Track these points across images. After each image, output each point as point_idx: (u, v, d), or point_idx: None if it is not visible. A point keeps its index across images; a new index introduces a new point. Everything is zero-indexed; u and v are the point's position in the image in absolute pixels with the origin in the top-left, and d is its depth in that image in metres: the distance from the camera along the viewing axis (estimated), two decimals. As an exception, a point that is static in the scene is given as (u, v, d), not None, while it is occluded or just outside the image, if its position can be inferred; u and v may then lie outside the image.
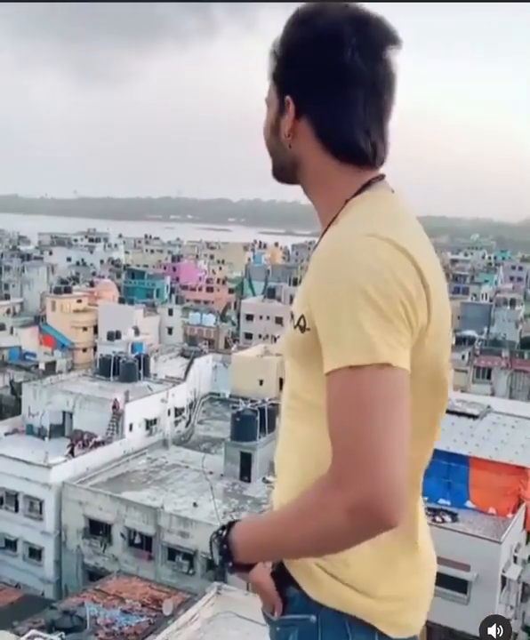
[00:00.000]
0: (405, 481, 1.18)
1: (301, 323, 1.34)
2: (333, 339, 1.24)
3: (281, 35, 1.45)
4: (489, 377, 45.39)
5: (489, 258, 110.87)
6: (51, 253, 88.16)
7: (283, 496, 1.49)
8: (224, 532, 1.45)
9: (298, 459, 1.45)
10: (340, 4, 1.42)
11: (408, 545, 1.47)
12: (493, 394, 41.43)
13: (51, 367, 48.69)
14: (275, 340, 46.38)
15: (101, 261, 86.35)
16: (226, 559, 1.44)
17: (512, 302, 67.31)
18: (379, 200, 1.41)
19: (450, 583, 20.10)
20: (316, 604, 1.43)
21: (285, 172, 1.53)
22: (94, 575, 26.23)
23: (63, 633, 15.83)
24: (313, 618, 1.43)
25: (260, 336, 54.99)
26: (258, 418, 29.78)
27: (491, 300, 68.92)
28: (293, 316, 1.38)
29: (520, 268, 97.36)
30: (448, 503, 21.50)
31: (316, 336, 1.30)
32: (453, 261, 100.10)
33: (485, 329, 59.11)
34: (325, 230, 1.45)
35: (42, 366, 48.22)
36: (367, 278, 1.23)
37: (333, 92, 1.39)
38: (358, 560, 1.39)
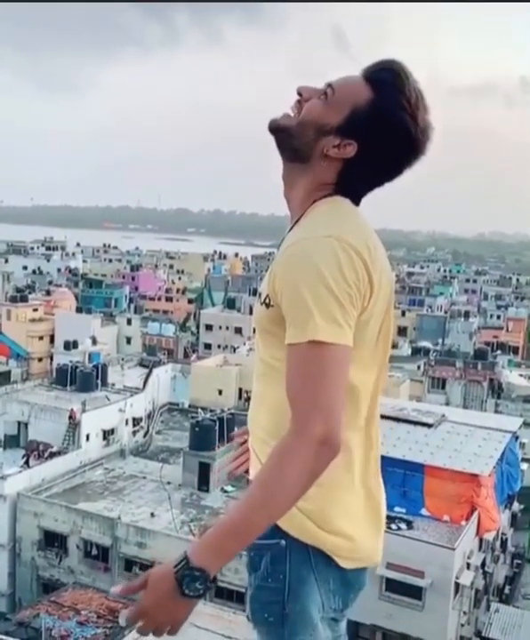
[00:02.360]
0: (342, 423, 1.53)
1: (267, 300, 1.66)
2: (298, 318, 1.55)
3: (398, 86, 1.65)
4: (444, 387, 46.17)
5: (444, 271, 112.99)
6: (6, 261, 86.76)
7: (256, 444, 1.82)
8: (184, 562, 1.47)
9: (265, 413, 1.77)
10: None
11: (361, 486, 1.78)
12: (447, 403, 42.11)
13: (5, 377, 47.89)
14: (234, 350, 46.44)
15: (59, 270, 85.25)
16: (205, 580, 1.47)
17: (466, 314, 68.72)
18: (339, 206, 1.72)
19: (405, 590, 20.41)
20: (284, 531, 1.69)
21: (288, 145, 1.74)
22: (49, 587, 25.80)
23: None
24: (283, 542, 1.70)
25: (219, 346, 55.00)
26: (217, 427, 29.78)
27: (446, 312, 70.27)
28: (260, 295, 1.70)
29: (474, 281, 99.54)
30: (404, 511, 21.79)
31: (278, 312, 1.62)
32: (410, 274, 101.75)
33: (440, 340, 60.16)
34: (294, 224, 1.74)
35: (-4, 376, 47.41)
36: (328, 273, 1.54)
37: (378, 164, 1.71)
38: (318, 496, 1.66)
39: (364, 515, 1.79)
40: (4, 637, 14.92)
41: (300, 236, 1.63)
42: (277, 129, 1.73)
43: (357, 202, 1.77)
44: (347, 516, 1.74)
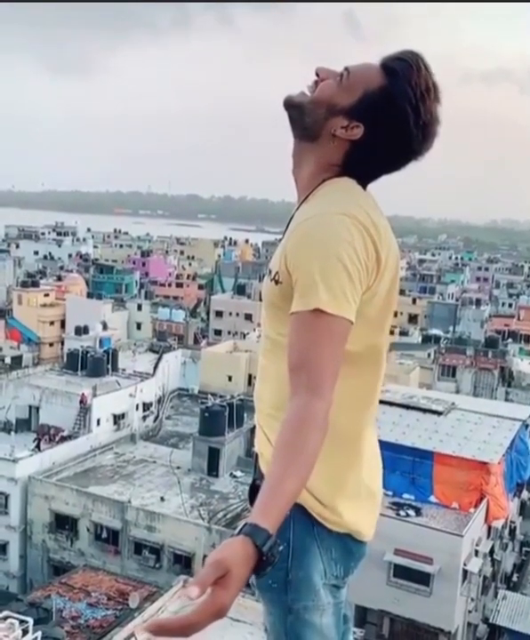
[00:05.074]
0: None
1: (276, 277, 1.69)
2: (309, 288, 1.57)
3: (407, 76, 1.68)
4: (454, 375, 46.08)
5: (456, 258, 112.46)
6: (18, 246, 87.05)
7: (263, 419, 1.87)
8: (272, 541, 1.33)
9: (270, 388, 1.82)
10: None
11: (357, 462, 1.82)
12: (457, 391, 42.07)
13: (17, 361, 48.18)
14: (244, 336, 46.50)
15: (69, 255, 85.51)
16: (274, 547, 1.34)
17: (478, 302, 68.44)
18: (348, 186, 1.77)
19: (413, 576, 20.51)
20: None
21: (299, 122, 1.78)
22: (60, 569, 26.14)
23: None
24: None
25: (229, 332, 55.08)
26: (226, 413, 29.92)
27: (457, 300, 69.97)
28: (270, 272, 1.74)
29: (486, 269, 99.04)
30: (412, 498, 21.85)
31: (285, 289, 1.66)
32: (421, 261, 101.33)
33: (451, 328, 60.00)
34: (301, 203, 1.78)
35: (8, 360, 47.71)
36: (342, 248, 1.58)
37: (382, 150, 1.74)
38: (321, 470, 1.63)
39: (356, 487, 1.83)
40: (16, 616, 15.15)
41: (312, 212, 1.67)
42: (290, 104, 1.78)
43: (363, 186, 1.80)
44: (348, 488, 1.79)
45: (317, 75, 1.76)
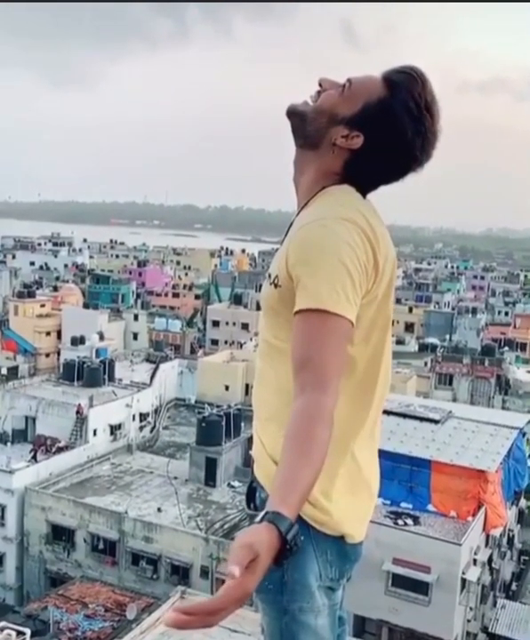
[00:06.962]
0: None
1: (276, 281, 1.74)
2: (311, 289, 1.61)
3: (409, 88, 1.73)
4: (451, 383, 46.10)
5: (452, 267, 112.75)
6: (14, 257, 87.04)
7: (260, 424, 1.89)
8: (295, 527, 1.35)
9: (268, 392, 1.86)
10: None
11: (351, 465, 1.84)
12: (454, 399, 42.09)
13: (13, 372, 48.08)
14: (241, 346, 46.48)
15: (65, 266, 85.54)
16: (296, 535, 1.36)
17: (474, 311, 68.54)
18: (347, 193, 1.82)
19: (412, 585, 20.43)
20: None
21: (301, 130, 1.83)
22: (57, 581, 25.99)
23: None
24: None
25: (226, 342, 55.05)
26: (223, 423, 29.85)
27: (453, 309, 70.15)
28: (269, 276, 1.78)
29: (482, 278, 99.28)
30: (410, 507, 21.79)
31: (285, 292, 1.70)
32: (417, 270, 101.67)
33: (448, 336, 60.07)
34: (302, 208, 1.84)
35: (4, 371, 47.61)
36: (344, 252, 1.63)
37: (381, 160, 1.79)
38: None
39: (348, 490, 1.83)
40: (13, 627, 15.06)
41: (313, 217, 1.72)
42: (293, 113, 1.82)
43: (363, 194, 1.84)
44: (342, 494, 1.80)
45: (320, 85, 1.81)
